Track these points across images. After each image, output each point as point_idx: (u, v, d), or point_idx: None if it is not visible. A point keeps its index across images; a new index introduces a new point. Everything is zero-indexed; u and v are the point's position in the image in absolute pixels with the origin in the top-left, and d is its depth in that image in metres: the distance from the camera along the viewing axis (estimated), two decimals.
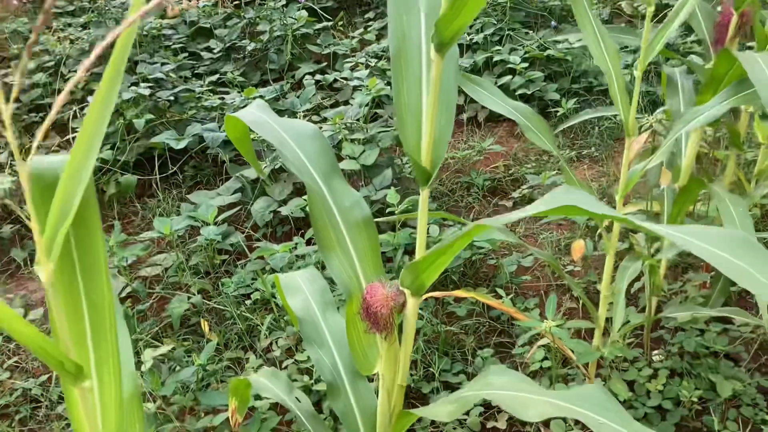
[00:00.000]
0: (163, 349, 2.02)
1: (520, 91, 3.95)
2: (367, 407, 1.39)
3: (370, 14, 5.44)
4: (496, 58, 4.14)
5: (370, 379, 1.39)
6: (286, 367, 2.21)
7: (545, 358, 2.24)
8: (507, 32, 4.39)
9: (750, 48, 2.89)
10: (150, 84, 3.79)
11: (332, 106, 3.98)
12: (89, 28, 4.76)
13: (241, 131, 1.29)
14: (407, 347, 1.17)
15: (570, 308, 2.51)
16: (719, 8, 1.95)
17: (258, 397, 1.97)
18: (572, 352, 2.02)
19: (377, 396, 1.43)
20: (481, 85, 1.91)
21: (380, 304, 1.13)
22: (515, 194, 3.15)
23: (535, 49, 4.19)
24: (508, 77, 4.02)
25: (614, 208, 1.93)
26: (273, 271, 2.46)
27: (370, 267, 1.21)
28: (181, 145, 3.37)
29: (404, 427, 1.24)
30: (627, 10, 4.57)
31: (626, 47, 3.89)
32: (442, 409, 1.12)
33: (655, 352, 2.35)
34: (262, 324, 2.38)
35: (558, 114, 3.79)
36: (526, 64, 4.05)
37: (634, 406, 2.13)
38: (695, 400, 2.10)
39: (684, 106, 2.16)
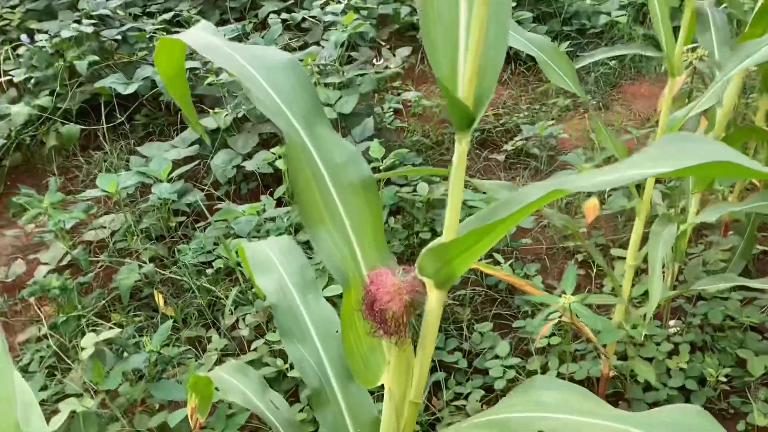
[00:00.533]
0: (108, 333, 1.68)
1: None
2: (364, 420, 1.09)
3: None
4: None
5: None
6: (255, 349, 1.90)
7: (552, 334, 1.97)
8: None
9: None
10: (94, 21, 3.33)
11: (301, 48, 3.59)
12: None
13: (176, 67, 0.94)
14: (425, 355, 0.87)
15: (577, 275, 2.23)
16: None
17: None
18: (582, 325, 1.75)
19: (374, 404, 1.14)
20: None
21: (390, 298, 0.81)
22: (508, 146, 2.83)
23: None
24: None
25: None
26: (238, 236, 2.12)
27: (371, 246, 0.89)
28: (130, 90, 2.96)
29: None
30: None
31: None
32: None
33: (672, 322, 2.10)
34: (227, 297, 2.06)
35: None
36: (513, 4, 3.69)
37: (654, 388, 1.88)
38: (723, 379, 1.86)
39: (718, 42, 1.85)
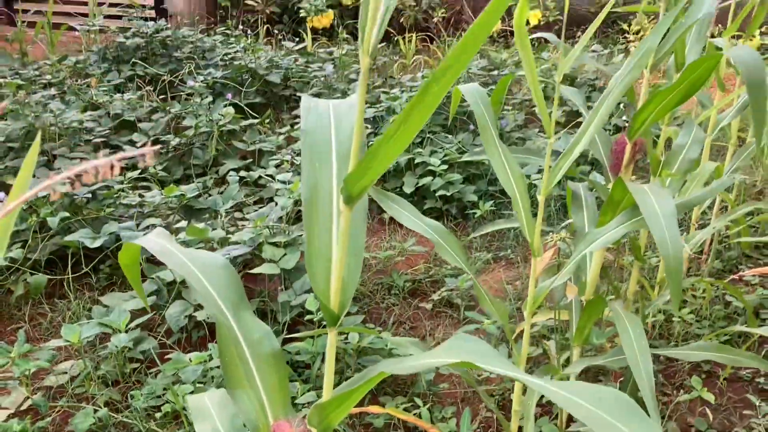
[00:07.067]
0: None
1: (440, 192, 4.08)
2: None
3: (298, 111, 5.57)
4: (418, 159, 4.28)
5: None
6: None
7: None
8: (428, 135, 4.57)
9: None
10: (68, 179, 3.70)
11: (256, 202, 4.00)
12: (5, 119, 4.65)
13: (133, 258, 1.29)
14: None
15: (486, 417, 2.52)
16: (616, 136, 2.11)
17: None
18: None
19: None
20: (399, 204, 1.97)
21: None
22: (435, 296, 3.20)
23: (453, 152, 4.37)
24: (429, 178, 4.16)
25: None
26: (185, 383, 2.38)
27: (278, 404, 1.20)
28: (97, 244, 3.28)
29: None
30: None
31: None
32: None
33: None
34: None
35: (476, 215, 3.93)
36: (445, 167, 4.21)
37: None
38: None
39: (588, 222, 2.27)
